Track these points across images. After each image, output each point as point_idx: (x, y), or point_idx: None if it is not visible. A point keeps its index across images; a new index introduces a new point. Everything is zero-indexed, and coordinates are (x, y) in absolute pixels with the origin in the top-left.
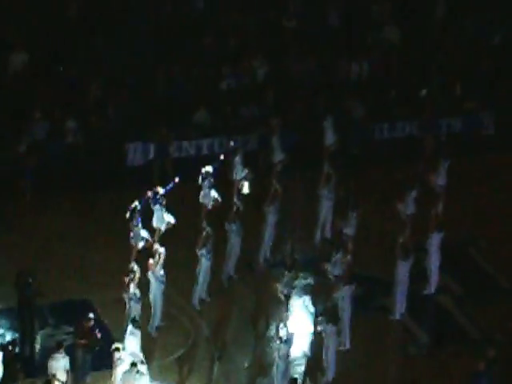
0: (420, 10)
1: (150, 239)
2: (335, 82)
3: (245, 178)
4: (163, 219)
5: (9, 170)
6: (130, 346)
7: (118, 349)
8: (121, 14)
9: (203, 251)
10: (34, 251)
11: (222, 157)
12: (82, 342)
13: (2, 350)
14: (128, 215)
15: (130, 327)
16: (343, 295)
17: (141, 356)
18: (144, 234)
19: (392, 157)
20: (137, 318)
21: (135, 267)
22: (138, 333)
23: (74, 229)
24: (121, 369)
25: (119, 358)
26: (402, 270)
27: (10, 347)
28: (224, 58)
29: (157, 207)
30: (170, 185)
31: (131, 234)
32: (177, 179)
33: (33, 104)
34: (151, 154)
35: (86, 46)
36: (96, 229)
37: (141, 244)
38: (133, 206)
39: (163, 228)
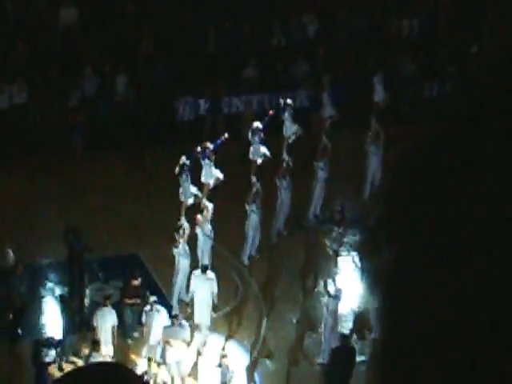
0: None
1: (199, 195)
2: (386, 38)
3: (295, 134)
4: (212, 174)
5: (60, 126)
6: (202, 293)
7: (154, 302)
8: None
9: (253, 207)
10: (85, 206)
11: (271, 112)
12: (130, 300)
13: (62, 303)
14: (177, 170)
15: (199, 275)
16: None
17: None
18: (193, 189)
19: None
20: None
21: (185, 223)
22: (206, 280)
23: (124, 184)
24: (157, 322)
25: (155, 311)
26: None
27: (70, 300)
28: (274, 14)
29: (206, 162)
30: (220, 140)
31: (180, 190)
32: (226, 135)
33: (83, 59)
34: (201, 109)
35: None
36: (146, 184)
37: (190, 200)
38: (182, 161)
39: (212, 183)
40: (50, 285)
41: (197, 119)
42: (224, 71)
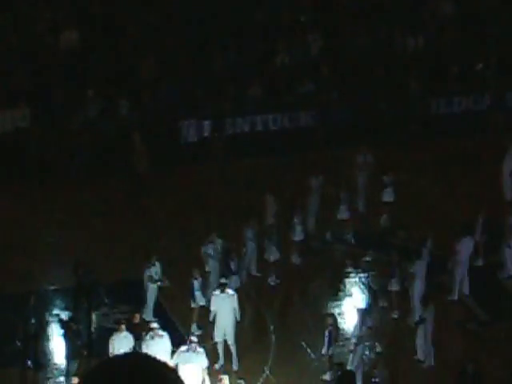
0: None
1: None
2: (391, 56)
3: None
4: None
5: (62, 148)
6: (224, 311)
7: (156, 328)
8: None
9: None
10: (89, 231)
11: None
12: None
13: (63, 327)
14: None
15: (218, 294)
16: (416, 270)
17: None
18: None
19: (448, 132)
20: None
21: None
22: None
23: (128, 206)
24: (160, 348)
25: (157, 337)
26: (464, 246)
27: (72, 324)
28: (278, 33)
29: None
30: None
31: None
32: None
33: (85, 82)
34: (205, 130)
35: (138, 22)
36: (151, 206)
37: (202, 302)
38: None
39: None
40: (56, 311)
41: (201, 140)
42: (228, 91)
